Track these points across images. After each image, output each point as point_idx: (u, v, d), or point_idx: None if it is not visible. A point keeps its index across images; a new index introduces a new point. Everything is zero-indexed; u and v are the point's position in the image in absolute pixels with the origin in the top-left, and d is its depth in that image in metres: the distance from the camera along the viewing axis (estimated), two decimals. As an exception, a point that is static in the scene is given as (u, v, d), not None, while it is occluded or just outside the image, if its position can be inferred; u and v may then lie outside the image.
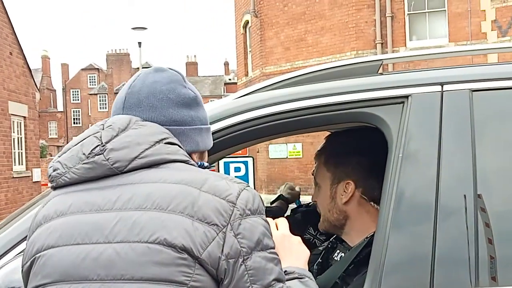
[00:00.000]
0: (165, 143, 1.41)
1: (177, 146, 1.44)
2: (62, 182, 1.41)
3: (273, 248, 1.36)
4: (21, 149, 16.81)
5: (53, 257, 1.33)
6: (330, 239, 2.28)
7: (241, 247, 1.28)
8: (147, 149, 1.38)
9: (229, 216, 1.29)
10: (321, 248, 2.27)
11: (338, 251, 2.17)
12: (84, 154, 1.38)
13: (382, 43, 19.15)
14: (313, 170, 2.31)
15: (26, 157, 17.04)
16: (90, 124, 77.63)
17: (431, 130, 1.83)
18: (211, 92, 76.86)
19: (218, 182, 1.35)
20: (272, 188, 21.62)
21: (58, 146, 66.75)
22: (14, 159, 16.29)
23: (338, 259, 2.12)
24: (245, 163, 9.61)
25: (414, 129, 1.84)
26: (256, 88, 2.08)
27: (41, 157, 22.60)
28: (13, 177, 15.92)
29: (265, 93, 2.03)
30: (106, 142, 1.38)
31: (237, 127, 1.92)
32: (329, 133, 2.48)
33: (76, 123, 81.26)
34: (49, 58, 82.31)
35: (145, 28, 26.38)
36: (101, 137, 1.39)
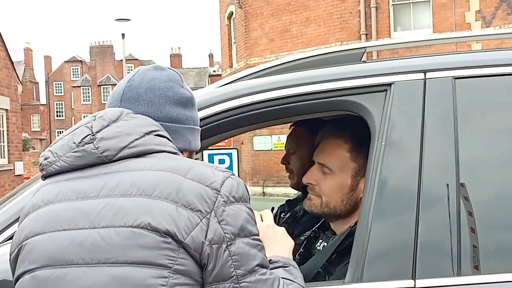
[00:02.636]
0: (155, 135, 1.45)
1: (166, 139, 1.47)
2: (52, 170, 1.44)
3: (257, 235, 1.38)
4: (3, 142, 16.69)
5: (39, 243, 1.36)
6: (313, 229, 2.26)
7: (224, 233, 1.31)
8: (136, 139, 1.41)
9: (213, 203, 1.32)
10: (302, 238, 2.26)
11: (320, 240, 2.16)
12: (74, 143, 1.42)
13: (366, 34, 19.20)
14: (314, 150, 2.17)
15: (8, 150, 16.92)
16: (73, 117, 77.46)
17: (414, 118, 1.83)
18: (195, 84, 76.71)
19: (203, 170, 1.38)
20: (256, 180, 21.66)
21: (41, 139, 66.40)
22: (-4, 152, 16.17)
23: (321, 249, 2.11)
24: (229, 155, 9.63)
25: (396, 117, 1.83)
26: (239, 76, 2.07)
27: (23, 150, 22.46)
28: (-5, 170, 15.82)
29: (248, 81, 2.02)
30: (97, 132, 1.41)
31: (221, 116, 1.91)
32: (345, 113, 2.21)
33: (59, 116, 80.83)
34: (31, 51, 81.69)
35: (128, 20, 26.18)
36: (92, 127, 1.43)
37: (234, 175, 1.41)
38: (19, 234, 1.43)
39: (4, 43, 17.04)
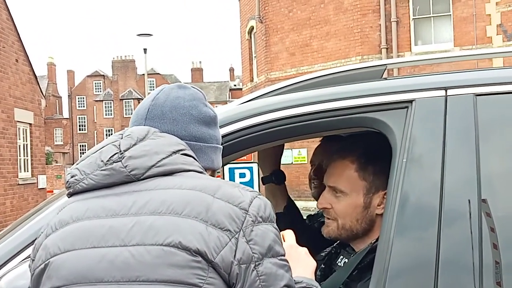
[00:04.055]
0: (181, 154, 1.46)
1: (192, 158, 1.49)
2: (79, 188, 1.45)
3: (284, 255, 1.39)
4: (27, 156, 16.87)
5: (68, 260, 1.35)
6: (334, 245, 2.26)
7: (253, 253, 1.31)
8: (164, 158, 1.42)
9: (242, 223, 1.32)
10: (323, 254, 2.26)
11: (341, 256, 2.16)
12: (102, 161, 1.43)
13: (387, 48, 19.15)
14: (323, 175, 2.19)
15: (32, 163, 17.09)
16: (95, 131, 78.04)
17: (435, 135, 1.83)
18: (216, 98, 76.98)
19: (231, 190, 1.39)
20: (277, 193, 21.60)
21: (63, 153, 66.97)
22: (20, 165, 16.34)
23: (342, 265, 2.11)
24: (250, 169, 9.63)
25: (418, 133, 1.84)
26: (261, 93, 2.09)
27: (46, 164, 22.67)
28: (18, 184, 15.97)
29: (270, 98, 2.04)
30: (125, 150, 1.42)
31: (242, 133, 1.93)
32: (349, 132, 2.25)
33: (82, 130, 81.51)
34: (55, 65, 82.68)
35: (150, 35, 26.45)
36: (119, 145, 1.44)
37: (261, 195, 1.41)
38: (45, 249, 1.41)
39: (28, 58, 17.27)
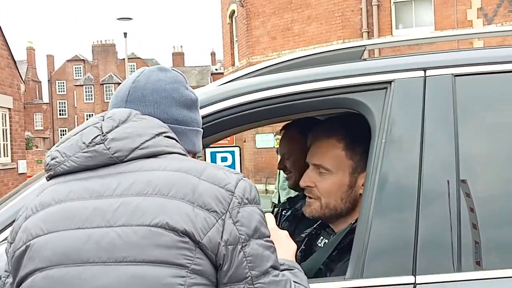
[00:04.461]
0: (164, 136, 1.45)
1: (175, 141, 1.48)
2: (60, 170, 1.43)
3: (269, 236, 1.39)
4: (6, 141, 16.71)
5: (52, 241, 1.34)
6: (314, 226, 2.27)
7: (239, 234, 1.32)
8: (147, 140, 1.41)
9: (228, 204, 1.33)
10: (303, 235, 2.26)
11: (321, 237, 2.17)
12: (84, 143, 1.41)
13: (368, 32, 19.16)
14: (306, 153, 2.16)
15: (12, 148, 16.94)
16: (76, 116, 77.45)
17: (414, 116, 1.84)
18: (197, 82, 76.61)
19: (217, 171, 1.39)
20: (259, 177, 21.66)
21: (44, 138, 66.40)
22: None
23: (322, 246, 2.12)
24: (232, 152, 9.61)
25: (397, 114, 1.84)
26: (240, 74, 2.08)
27: (26, 149, 22.49)
28: (-2, 169, 15.84)
29: (249, 79, 2.03)
30: (107, 132, 1.41)
31: (222, 114, 1.92)
32: (335, 113, 2.21)
33: (62, 115, 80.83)
34: (34, 50, 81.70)
35: (130, 19, 26.17)
36: (101, 127, 1.42)
37: (245, 177, 1.42)
38: (25, 231, 1.39)
39: (7, 42, 17.05)
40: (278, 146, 2.95)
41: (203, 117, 1.81)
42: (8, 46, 17.13)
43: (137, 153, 1.40)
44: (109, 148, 1.39)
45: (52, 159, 1.44)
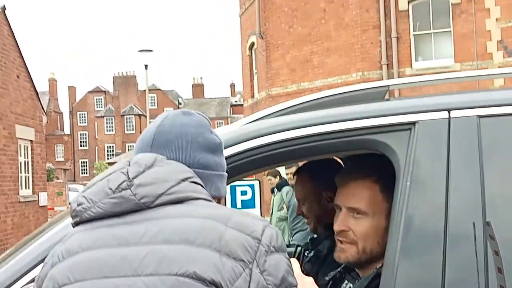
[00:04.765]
0: (190, 182, 1.44)
1: (201, 186, 1.47)
2: (86, 216, 1.42)
3: (296, 286, 1.37)
4: (28, 173, 16.84)
5: None
6: (338, 269, 2.23)
7: (267, 284, 1.30)
8: (173, 186, 1.40)
9: (255, 252, 1.31)
10: (327, 278, 2.23)
11: (346, 281, 2.13)
12: (110, 188, 1.40)
13: (387, 64, 19.17)
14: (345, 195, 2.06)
15: (33, 181, 17.06)
16: (96, 147, 78.10)
17: (439, 157, 1.82)
18: (217, 114, 77.08)
19: (243, 218, 1.37)
20: (279, 209, 21.56)
21: (64, 170, 66.96)
22: (21, 183, 16.30)
23: None
24: (252, 186, 9.60)
25: (421, 156, 1.83)
26: (263, 114, 2.08)
27: (47, 181, 22.65)
28: (19, 201, 15.92)
29: (272, 119, 2.03)
30: (133, 178, 1.40)
31: (246, 154, 1.92)
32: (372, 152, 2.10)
33: (83, 146, 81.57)
34: (56, 81, 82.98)
35: (151, 51, 26.55)
36: (127, 172, 1.41)
37: (271, 224, 1.40)
38: (51, 280, 1.38)
39: (29, 73, 17.30)
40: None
41: (227, 158, 1.81)
42: (30, 77, 17.38)
43: (164, 199, 1.38)
44: (135, 194, 1.38)
45: (79, 205, 1.43)
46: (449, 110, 1.88)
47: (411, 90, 11.45)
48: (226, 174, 1.61)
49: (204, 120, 1.58)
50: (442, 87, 2.26)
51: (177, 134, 1.51)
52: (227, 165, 1.71)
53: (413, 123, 1.87)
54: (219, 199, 1.59)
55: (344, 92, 2.08)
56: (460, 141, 1.83)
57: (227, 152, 1.85)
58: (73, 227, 1.46)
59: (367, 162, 2.08)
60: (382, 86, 2.07)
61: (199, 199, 1.42)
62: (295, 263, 1.65)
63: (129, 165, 1.44)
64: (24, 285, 1.77)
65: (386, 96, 2.08)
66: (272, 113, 2.07)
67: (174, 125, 1.52)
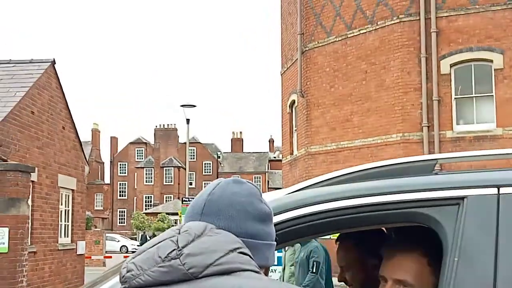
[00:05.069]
0: (239, 252, 1.44)
1: (249, 257, 1.47)
2: (135, 284, 1.42)
3: None
4: (68, 222, 17.06)
5: None
6: None
7: None
8: (222, 256, 1.40)
9: None
10: None
11: None
12: (160, 257, 1.40)
13: (428, 126, 19.07)
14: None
15: (72, 229, 17.26)
16: (135, 197, 78.70)
17: (488, 233, 1.80)
18: (255, 168, 77.21)
19: None
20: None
21: (103, 218, 67.47)
22: (60, 231, 16.51)
23: None
24: (279, 251, 9.57)
25: (470, 231, 1.81)
26: (308, 183, 2.09)
27: (86, 229, 22.85)
28: (58, 249, 16.09)
29: (317, 189, 2.04)
30: (183, 247, 1.40)
31: (289, 223, 1.92)
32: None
33: (122, 196, 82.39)
34: (99, 131, 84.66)
35: (194, 106, 26.94)
36: (177, 241, 1.42)
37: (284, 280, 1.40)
38: None
39: (74, 124, 17.71)
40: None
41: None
42: (75, 128, 17.79)
43: (212, 270, 1.38)
44: (184, 263, 1.38)
45: (128, 271, 1.44)
46: (498, 187, 1.87)
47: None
48: (275, 243, 1.61)
49: (254, 189, 1.59)
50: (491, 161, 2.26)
51: (228, 203, 1.52)
52: None
53: (462, 198, 1.86)
54: (267, 269, 1.60)
55: (393, 164, 2.09)
56: (509, 218, 1.81)
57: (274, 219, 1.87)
58: None
59: (415, 234, 2.05)
60: (431, 160, 2.08)
61: (247, 270, 1.42)
62: None
63: (179, 233, 1.45)
64: None
65: (435, 170, 2.08)
66: (317, 182, 2.09)
67: (225, 193, 1.54)
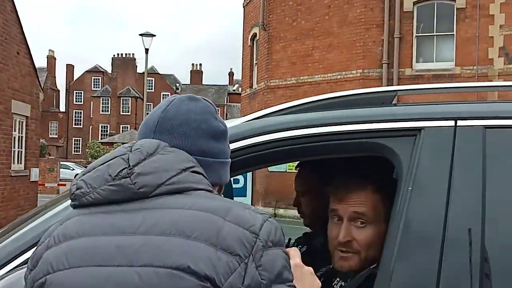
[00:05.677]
0: (191, 172, 1.42)
1: (202, 176, 1.45)
2: (84, 201, 1.41)
3: (292, 281, 1.36)
4: (21, 148, 16.79)
5: (72, 278, 1.31)
6: (330, 266, 2.23)
7: (261, 279, 1.28)
8: (173, 176, 1.38)
9: (252, 248, 1.29)
10: (319, 274, 2.22)
11: (338, 279, 2.13)
12: (110, 175, 1.38)
13: (388, 63, 19.19)
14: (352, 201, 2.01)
15: (26, 156, 17.01)
16: (91, 126, 77.94)
17: (442, 164, 1.83)
18: (214, 101, 76.84)
19: (242, 212, 1.35)
20: (268, 201, 21.60)
21: (57, 146, 66.76)
22: (13, 157, 16.26)
23: None
24: (244, 175, 9.61)
25: (425, 162, 1.83)
26: (267, 112, 2.07)
27: (40, 157, 22.60)
28: (11, 176, 15.89)
29: (275, 117, 2.03)
30: (134, 166, 1.38)
31: (245, 151, 1.91)
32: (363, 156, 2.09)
33: (77, 124, 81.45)
34: (55, 59, 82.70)
35: (153, 35, 26.43)
36: (128, 159, 1.39)
37: (271, 217, 1.38)
38: (46, 263, 1.37)
39: (29, 50, 17.22)
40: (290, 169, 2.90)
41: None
42: (30, 54, 17.30)
43: (163, 189, 1.37)
44: (135, 183, 1.36)
45: (78, 188, 1.42)
46: (455, 119, 1.88)
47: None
48: (230, 160, 1.59)
49: (210, 106, 1.55)
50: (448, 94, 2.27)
51: (182, 121, 1.49)
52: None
53: (419, 130, 1.87)
54: (220, 186, 1.58)
55: (352, 95, 2.07)
56: (464, 150, 1.84)
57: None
58: (73, 208, 1.45)
59: (367, 170, 2.06)
60: (390, 91, 2.07)
61: (199, 189, 1.41)
62: (296, 252, 1.64)
63: (131, 151, 1.42)
64: (16, 267, 1.76)
65: (394, 101, 2.08)
66: (276, 111, 2.07)
67: (179, 111, 1.50)
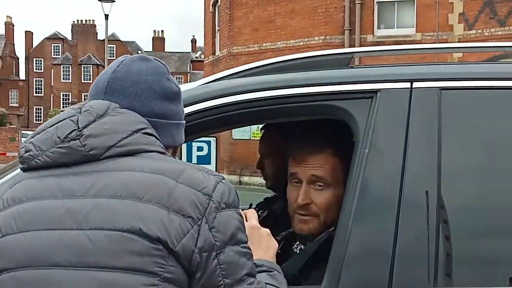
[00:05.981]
0: (143, 133, 1.39)
1: (154, 138, 1.42)
2: (33, 164, 1.37)
3: (246, 242, 1.36)
4: (-21, 118, 16.46)
5: (21, 241, 1.29)
6: (290, 229, 2.24)
7: (215, 240, 1.28)
8: (124, 138, 1.35)
9: (205, 209, 1.28)
10: (279, 238, 2.23)
11: (297, 242, 2.14)
12: (59, 137, 1.35)
13: (350, 30, 19.21)
14: (312, 164, 2.00)
15: (-16, 125, 16.70)
16: (52, 95, 76.62)
17: (398, 126, 1.83)
18: (177, 68, 76.15)
19: (195, 174, 1.34)
20: (233, 168, 21.66)
21: (18, 115, 65.65)
22: (-28, 127, 15.94)
23: (298, 251, 2.10)
24: (208, 142, 9.56)
25: (381, 124, 1.83)
26: (224, 74, 2.04)
27: (0, 126, 22.19)
28: (-30, 146, 15.61)
29: (233, 80, 2.00)
30: (83, 128, 1.34)
31: (203, 114, 1.89)
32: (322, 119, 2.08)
33: (38, 93, 79.93)
34: (13, 25, 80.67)
35: (113, 1, 25.92)
36: (77, 121, 1.36)
37: (224, 179, 1.37)
38: None
39: (-15, 17, 16.76)
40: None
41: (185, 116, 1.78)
42: (-15, 21, 16.84)
43: (114, 151, 1.34)
44: (84, 145, 1.33)
45: (26, 151, 1.38)
46: (411, 81, 1.88)
47: (374, 59, 11.50)
48: (184, 122, 1.57)
49: (162, 67, 1.52)
50: (404, 57, 2.27)
51: (132, 81, 1.45)
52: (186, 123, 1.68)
53: (375, 92, 1.87)
54: (175, 148, 1.55)
55: (308, 57, 2.06)
56: (420, 112, 1.84)
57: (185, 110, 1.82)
58: (22, 172, 1.42)
59: (324, 134, 2.05)
60: (346, 53, 2.06)
61: (151, 151, 1.38)
62: (253, 213, 1.63)
63: (80, 112, 1.38)
64: None
65: (350, 64, 2.07)
66: (233, 74, 2.04)
67: (130, 71, 1.46)
